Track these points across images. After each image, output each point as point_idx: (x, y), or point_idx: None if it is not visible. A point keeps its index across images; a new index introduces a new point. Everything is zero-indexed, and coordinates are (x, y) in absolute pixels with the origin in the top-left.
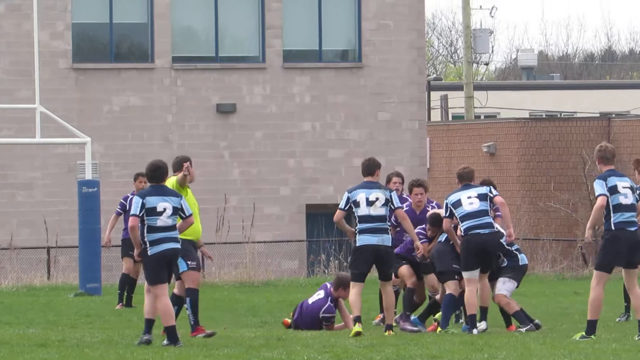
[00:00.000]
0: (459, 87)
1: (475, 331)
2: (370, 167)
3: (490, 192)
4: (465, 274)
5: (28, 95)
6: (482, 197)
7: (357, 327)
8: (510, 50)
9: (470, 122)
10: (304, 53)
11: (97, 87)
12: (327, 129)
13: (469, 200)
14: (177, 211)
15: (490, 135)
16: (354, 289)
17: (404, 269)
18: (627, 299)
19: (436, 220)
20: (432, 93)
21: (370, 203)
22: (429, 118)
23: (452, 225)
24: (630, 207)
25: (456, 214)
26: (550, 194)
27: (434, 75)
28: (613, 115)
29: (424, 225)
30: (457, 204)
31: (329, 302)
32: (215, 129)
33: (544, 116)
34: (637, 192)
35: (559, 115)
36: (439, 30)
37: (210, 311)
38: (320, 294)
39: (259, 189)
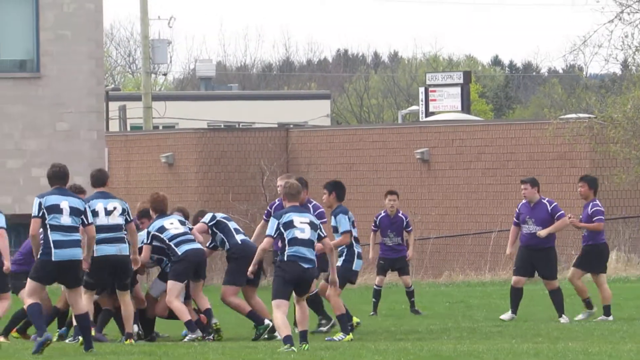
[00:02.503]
0: (137, 98)
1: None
2: (103, 178)
3: None
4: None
5: None
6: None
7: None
8: (189, 61)
9: (149, 132)
10: None
11: None
12: (5, 139)
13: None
14: None
15: (168, 145)
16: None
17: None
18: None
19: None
20: (110, 103)
21: (108, 212)
22: (108, 128)
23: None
24: (306, 243)
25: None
26: (228, 204)
27: (113, 86)
28: (291, 126)
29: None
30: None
31: None
32: None
33: (222, 126)
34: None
35: (237, 126)
36: (117, 41)
37: None
38: None
39: None
